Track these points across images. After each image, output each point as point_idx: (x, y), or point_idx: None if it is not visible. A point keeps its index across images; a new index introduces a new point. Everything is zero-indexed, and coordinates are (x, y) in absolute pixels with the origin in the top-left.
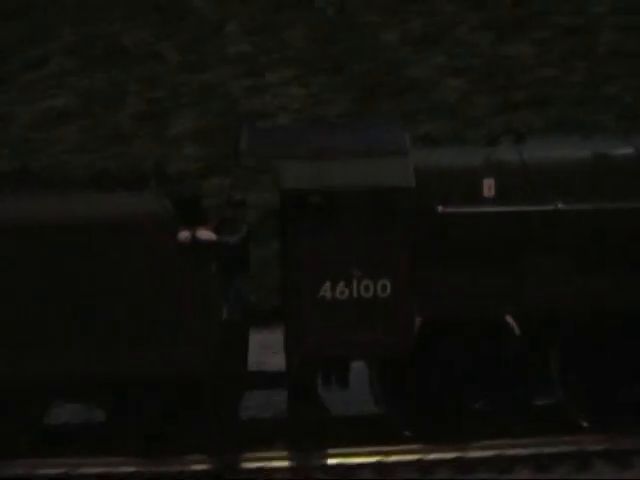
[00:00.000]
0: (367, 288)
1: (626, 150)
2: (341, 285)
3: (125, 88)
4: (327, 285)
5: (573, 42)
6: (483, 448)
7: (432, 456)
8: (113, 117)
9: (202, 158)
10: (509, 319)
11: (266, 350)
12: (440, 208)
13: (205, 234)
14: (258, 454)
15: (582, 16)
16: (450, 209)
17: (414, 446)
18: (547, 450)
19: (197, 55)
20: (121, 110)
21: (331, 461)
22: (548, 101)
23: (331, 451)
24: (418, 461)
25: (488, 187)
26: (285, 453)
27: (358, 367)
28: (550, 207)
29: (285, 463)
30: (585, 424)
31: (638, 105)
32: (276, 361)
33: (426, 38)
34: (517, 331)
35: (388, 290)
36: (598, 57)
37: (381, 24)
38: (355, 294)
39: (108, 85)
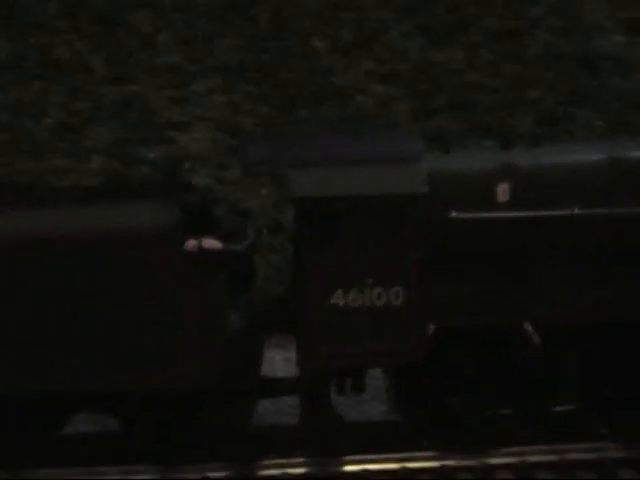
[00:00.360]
0: (379, 296)
1: None
2: (353, 293)
3: (50, 101)
4: (339, 293)
5: (504, 46)
6: (501, 455)
7: (451, 463)
8: (33, 130)
9: (104, 170)
10: (527, 326)
11: (276, 359)
12: (453, 214)
13: (211, 243)
14: (273, 462)
15: (516, 19)
16: (464, 215)
17: (431, 453)
18: (567, 457)
19: (125, 67)
20: (42, 123)
21: (348, 468)
22: (468, 106)
23: (348, 458)
24: (438, 468)
25: (502, 192)
26: (301, 460)
27: (374, 373)
28: (566, 212)
29: (301, 470)
30: (604, 431)
31: (559, 109)
32: (287, 370)
33: (356, 45)
34: (535, 339)
35: (401, 298)
36: (528, 60)
37: (313, 31)
38: (367, 302)
39: (34, 98)
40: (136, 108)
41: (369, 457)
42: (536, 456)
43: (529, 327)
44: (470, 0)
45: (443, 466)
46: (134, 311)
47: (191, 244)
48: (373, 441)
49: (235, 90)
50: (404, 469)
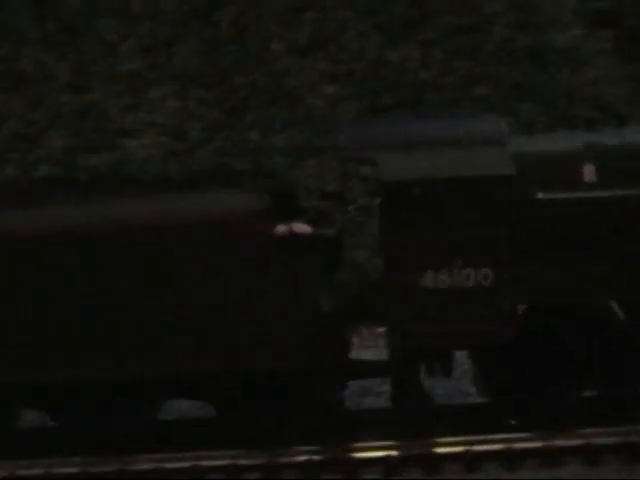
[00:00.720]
0: (469, 277)
1: None
2: (443, 274)
3: (11, 111)
4: (429, 275)
5: (458, 43)
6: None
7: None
8: None
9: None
10: (613, 304)
11: (362, 343)
12: (540, 195)
13: (301, 227)
14: (365, 444)
15: (474, 15)
16: (550, 195)
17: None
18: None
19: (87, 75)
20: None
21: (439, 450)
22: (416, 104)
23: (438, 440)
24: (542, 449)
25: (589, 172)
26: (392, 443)
27: (460, 356)
28: None
29: (393, 452)
30: None
31: (503, 105)
32: (372, 354)
33: (313, 46)
34: (621, 316)
35: (490, 278)
36: (481, 57)
37: (273, 34)
38: (457, 283)
39: None
40: (92, 116)
41: (457, 439)
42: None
43: (614, 305)
44: None
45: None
46: (228, 294)
47: (281, 229)
48: (462, 423)
49: (189, 96)
50: (508, 449)
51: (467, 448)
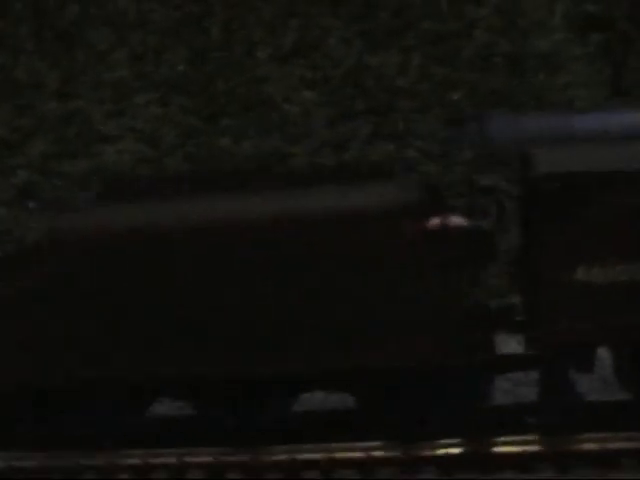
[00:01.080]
0: (623, 272)
1: None
2: (596, 269)
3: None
4: (581, 269)
5: (438, 48)
6: None
7: None
8: None
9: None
10: None
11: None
12: None
13: (456, 220)
14: (509, 439)
15: (457, 21)
16: None
17: None
18: None
19: (76, 83)
20: None
21: (587, 446)
22: (388, 110)
23: (587, 436)
24: None
25: None
26: (537, 438)
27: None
28: None
29: (535, 448)
30: None
31: (474, 110)
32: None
33: (296, 52)
34: None
35: None
36: (459, 62)
37: (259, 40)
38: (610, 278)
39: None
40: (76, 122)
41: (604, 435)
42: None
43: None
44: (415, 2)
45: None
46: (378, 289)
47: (435, 221)
48: (606, 420)
49: (171, 102)
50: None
51: (601, 445)
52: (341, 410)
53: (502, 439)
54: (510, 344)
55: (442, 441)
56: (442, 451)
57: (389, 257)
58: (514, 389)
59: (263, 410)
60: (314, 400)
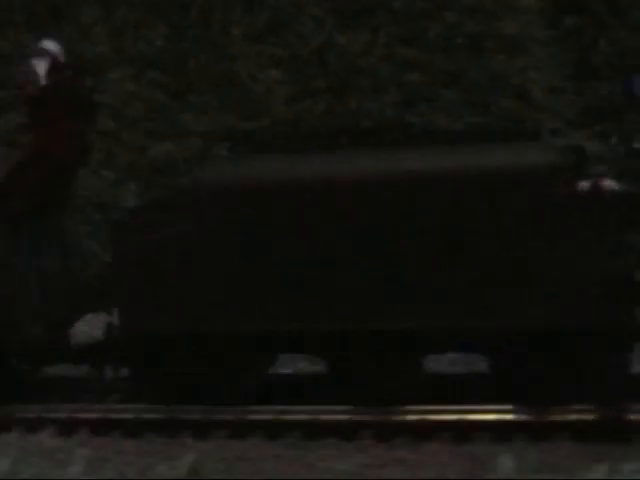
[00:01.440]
0: None
1: None
2: None
3: None
4: None
5: (404, 28)
6: None
7: None
8: None
9: None
10: None
11: None
12: None
13: (608, 184)
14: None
15: (428, 1)
16: None
17: None
18: None
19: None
20: None
21: None
22: (344, 90)
23: None
24: None
25: None
26: None
27: None
28: None
29: None
30: None
31: (426, 91)
32: None
33: (270, 30)
34: None
35: None
36: (424, 43)
37: (235, 19)
38: None
39: None
40: None
41: None
42: None
43: None
44: None
45: None
46: (526, 250)
47: (585, 185)
48: None
49: (144, 78)
50: None
51: None
52: (472, 374)
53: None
54: None
55: (575, 407)
56: (575, 417)
57: (539, 219)
58: None
59: (399, 370)
60: (441, 362)
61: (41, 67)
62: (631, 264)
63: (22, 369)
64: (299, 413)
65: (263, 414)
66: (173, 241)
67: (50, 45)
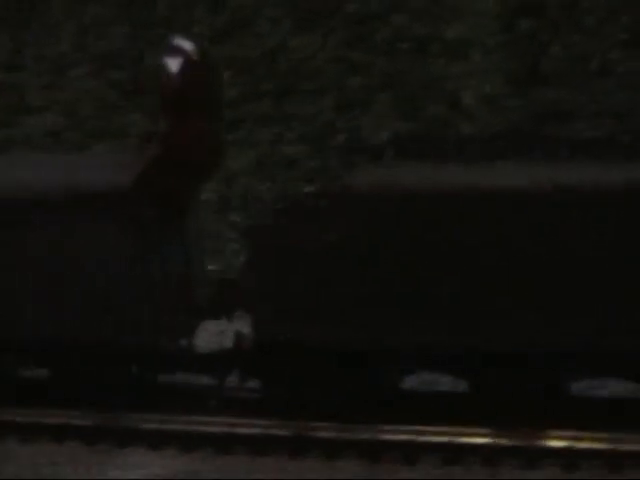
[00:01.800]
0: None
1: None
2: None
3: None
4: None
5: (353, 31)
6: None
7: None
8: None
9: None
10: None
11: None
12: None
13: None
14: None
15: (381, 3)
16: None
17: None
18: None
19: (16, 55)
20: None
21: None
22: (286, 92)
23: None
24: None
25: None
26: None
27: None
28: None
29: None
30: None
31: (361, 94)
32: None
33: (228, 31)
34: None
35: None
36: (370, 46)
37: (198, 18)
38: None
39: None
40: (11, 93)
41: None
42: None
43: None
44: None
45: None
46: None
47: None
48: None
49: (102, 77)
50: None
51: None
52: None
53: None
54: None
55: None
56: None
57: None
58: None
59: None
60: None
61: (175, 66)
62: None
63: (143, 377)
64: (437, 434)
65: (399, 434)
66: (326, 249)
67: (184, 43)
